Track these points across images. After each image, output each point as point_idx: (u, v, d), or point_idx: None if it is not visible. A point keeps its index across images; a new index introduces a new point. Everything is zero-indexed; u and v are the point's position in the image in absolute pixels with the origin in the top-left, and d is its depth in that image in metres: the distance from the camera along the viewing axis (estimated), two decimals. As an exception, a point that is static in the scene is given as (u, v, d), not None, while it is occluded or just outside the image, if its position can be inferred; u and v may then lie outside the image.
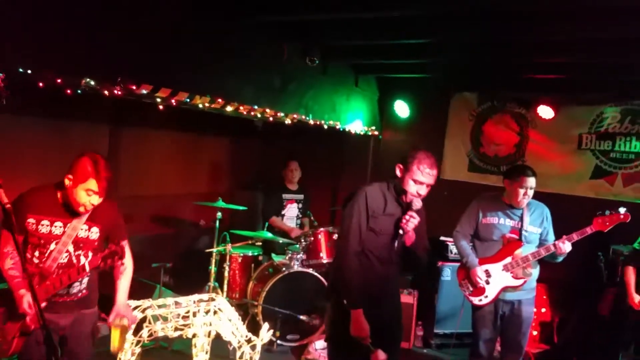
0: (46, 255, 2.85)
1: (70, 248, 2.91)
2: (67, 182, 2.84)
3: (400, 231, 3.11)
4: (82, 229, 2.93)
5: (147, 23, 3.87)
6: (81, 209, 2.85)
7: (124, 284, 3.16)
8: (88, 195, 2.82)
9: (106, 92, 3.70)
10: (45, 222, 2.85)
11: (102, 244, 3.05)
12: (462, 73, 6.17)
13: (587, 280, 5.37)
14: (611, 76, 5.37)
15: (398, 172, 3.18)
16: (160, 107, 4.06)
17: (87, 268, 2.84)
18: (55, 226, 2.87)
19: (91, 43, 3.54)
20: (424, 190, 3.13)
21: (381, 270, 3.20)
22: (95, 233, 2.99)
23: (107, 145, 5.50)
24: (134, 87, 3.72)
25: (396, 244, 3.16)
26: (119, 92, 3.71)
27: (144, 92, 3.78)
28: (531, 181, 3.93)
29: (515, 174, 4.00)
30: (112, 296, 3.16)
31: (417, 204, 3.12)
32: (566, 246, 3.76)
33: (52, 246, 2.86)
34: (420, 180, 3.09)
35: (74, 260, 2.92)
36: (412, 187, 3.12)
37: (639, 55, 4.47)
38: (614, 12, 3.88)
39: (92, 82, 3.50)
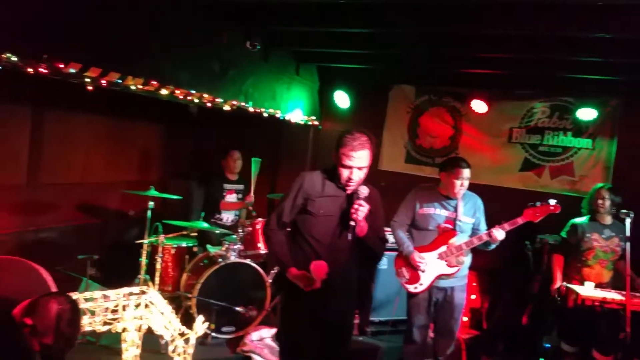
0: None
1: None
2: (24, 325, 2.45)
3: (352, 222, 3.00)
4: None
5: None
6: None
7: None
8: (40, 345, 2.45)
9: (30, 70, 3.44)
10: None
11: None
12: (401, 66, 6.24)
13: (514, 268, 5.58)
14: (542, 72, 5.57)
15: (333, 158, 3.13)
16: (90, 87, 3.83)
17: None
18: None
19: (14, 16, 3.25)
20: (355, 175, 3.03)
21: (326, 257, 3.08)
22: None
23: (30, 128, 5.17)
24: (62, 66, 3.47)
25: (349, 236, 3.04)
26: (45, 70, 3.46)
27: (72, 71, 3.53)
28: (466, 172, 4.04)
29: (450, 166, 4.10)
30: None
31: (363, 191, 3.04)
32: (500, 234, 3.88)
33: None
34: (347, 164, 3.00)
35: None
36: (342, 173, 3.05)
37: (569, 52, 4.67)
38: (546, 9, 4.02)
39: (14, 58, 3.23)
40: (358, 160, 3.00)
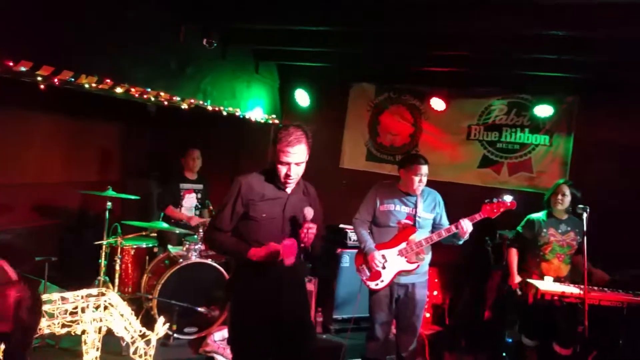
0: None
1: None
2: None
3: (302, 245, 2.99)
4: None
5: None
6: None
7: None
8: None
9: (-23, 68, 3.34)
10: None
11: None
12: (361, 64, 6.26)
13: (475, 264, 5.64)
14: (500, 70, 5.67)
15: (272, 157, 3.11)
16: (42, 86, 3.73)
17: None
18: None
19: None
20: (293, 171, 3.01)
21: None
22: None
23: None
24: (12, 64, 3.37)
25: (302, 257, 3.05)
26: (-6, 69, 3.36)
27: (23, 69, 3.43)
28: (424, 168, 4.08)
29: (409, 162, 4.13)
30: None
31: (308, 213, 3.01)
32: (467, 226, 3.90)
33: None
34: (285, 161, 2.99)
35: None
36: (281, 170, 3.03)
37: (526, 50, 4.75)
38: (503, 8, 4.08)
39: (-40, 57, 3.13)
40: (294, 155, 2.99)
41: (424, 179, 4.09)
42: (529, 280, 4.42)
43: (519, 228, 4.69)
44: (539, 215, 4.61)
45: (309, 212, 3.01)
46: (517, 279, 4.55)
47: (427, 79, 6.25)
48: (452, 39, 4.81)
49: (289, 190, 3.14)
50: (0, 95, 4.89)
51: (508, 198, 3.99)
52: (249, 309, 3.10)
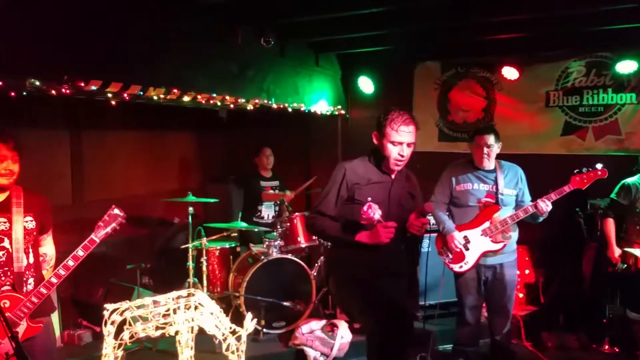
0: None
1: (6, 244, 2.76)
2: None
3: (413, 234, 3.02)
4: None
5: (90, 16, 3.68)
6: (2, 180, 2.71)
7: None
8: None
9: (53, 92, 3.56)
10: None
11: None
12: (422, 42, 6.08)
13: (567, 238, 5.36)
14: (572, 29, 5.32)
15: (375, 140, 3.11)
16: (113, 102, 3.92)
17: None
18: None
19: (33, 42, 3.33)
20: (405, 151, 3.02)
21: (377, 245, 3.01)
22: (30, 222, 2.87)
23: (69, 151, 5.34)
24: (83, 84, 3.55)
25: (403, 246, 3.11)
26: (67, 91, 3.56)
27: (94, 88, 3.61)
28: (488, 138, 3.89)
29: (472, 135, 4.01)
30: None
31: (429, 208, 3.00)
32: (545, 206, 3.72)
33: None
34: (397, 140, 2.99)
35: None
36: (392, 151, 3.03)
37: (599, 1, 4.41)
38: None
39: (37, 83, 3.34)
40: (409, 135, 3.01)
41: (489, 150, 3.91)
42: (626, 249, 4.15)
43: (613, 195, 4.38)
44: (635, 180, 4.29)
45: (429, 207, 3.01)
46: (617, 251, 4.26)
47: (495, 48, 5.95)
48: (518, 1, 4.55)
49: (393, 175, 3.15)
50: (83, 120, 5.23)
51: (598, 166, 3.75)
52: (353, 283, 3.13)
